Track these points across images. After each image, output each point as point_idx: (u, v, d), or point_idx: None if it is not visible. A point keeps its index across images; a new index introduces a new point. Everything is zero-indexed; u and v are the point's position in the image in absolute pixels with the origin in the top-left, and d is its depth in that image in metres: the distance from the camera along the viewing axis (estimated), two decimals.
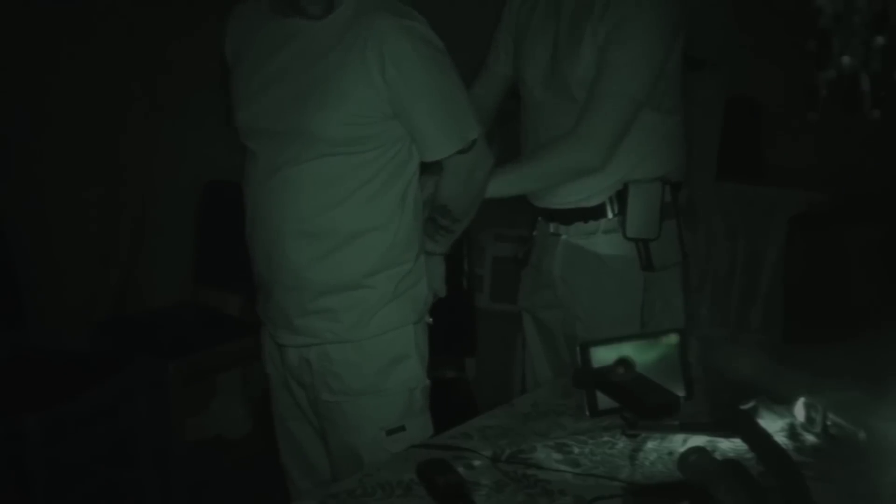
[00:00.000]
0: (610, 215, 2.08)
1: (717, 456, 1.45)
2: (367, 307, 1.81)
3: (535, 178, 2.06)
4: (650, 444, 1.56)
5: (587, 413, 1.65)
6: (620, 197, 2.06)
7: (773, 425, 1.61)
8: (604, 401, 1.65)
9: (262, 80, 1.80)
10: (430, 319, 1.91)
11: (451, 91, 1.79)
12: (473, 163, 1.85)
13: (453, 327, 1.97)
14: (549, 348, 2.28)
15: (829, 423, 1.56)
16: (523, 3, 2.19)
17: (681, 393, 1.67)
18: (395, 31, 1.70)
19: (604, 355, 1.67)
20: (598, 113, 1.98)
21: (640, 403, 1.58)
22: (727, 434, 1.56)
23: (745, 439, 1.53)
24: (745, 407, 1.65)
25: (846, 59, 1.83)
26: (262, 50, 1.81)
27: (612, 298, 2.11)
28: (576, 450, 1.56)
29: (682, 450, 1.46)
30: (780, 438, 1.56)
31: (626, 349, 1.68)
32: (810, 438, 1.58)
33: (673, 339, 1.72)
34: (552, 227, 2.17)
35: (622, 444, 1.57)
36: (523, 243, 2.29)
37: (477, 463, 1.50)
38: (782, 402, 1.65)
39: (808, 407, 1.60)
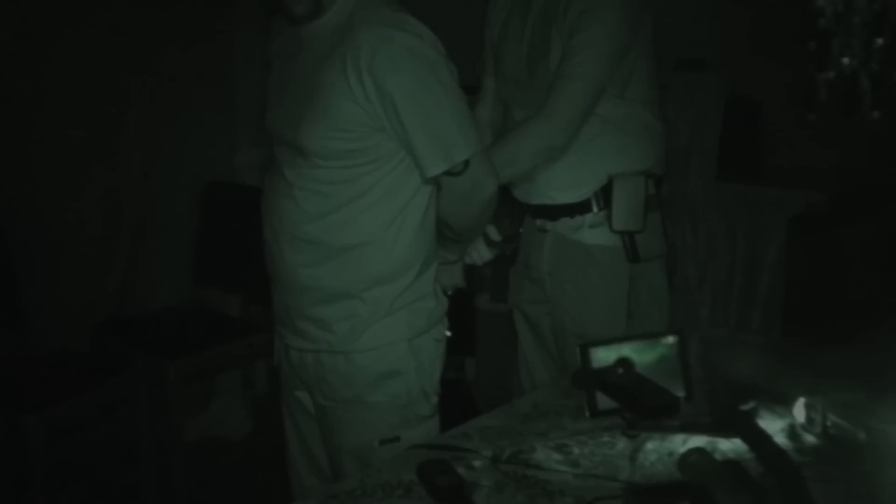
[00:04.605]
0: (595, 210, 2.12)
1: (717, 456, 1.46)
2: (358, 321, 1.79)
3: (506, 162, 1.99)
4: (650, 445, 1.57)
5: (587, 413, 1.65)
6: (605, 191, 2.10)
7: (773, 425, 1.61)
8: (604, 401, 1.65)
9: (279, 87, 1.84)
10: (449, 333, 1.89)
11: (438, 107, 1.69)
12: (468, 187, 1.76)
13: (453, 327, 1.96)
14: (539, 344, 2.31)
15: (829, 423, 1.56)
16: (497, 15, 2.24)
17: (681, 393, 1.67)
18: (375, 45, 1.63)
19: (604, 356, 1.67)
20: (561, 93, 2.02)
21: (640, 404, 1.58)
22: (727, 434, 1.56)
23: (745, 439, 1.53)
24: (745, 407, 1.65)
25: (846, 60, 1.83)
26: (282, 57, 1.85)
27: (599, 289, 2.14)
28: (576, 450, 1.56)
29: (682, 450, 1.46)
30: (780, 439, 1.56)
31: (626, 350, 1.68)
32: (810, 439, 1.58)
33: (672, 339, 1.72)
34: (539, 223, 2.20)
35: (622, 444, 1.57)
36: (509, 241, 2.31)
37: (477, 463, 1.51)
38: (782, 403, 1.65)
39: (808, 407, 1.60)
